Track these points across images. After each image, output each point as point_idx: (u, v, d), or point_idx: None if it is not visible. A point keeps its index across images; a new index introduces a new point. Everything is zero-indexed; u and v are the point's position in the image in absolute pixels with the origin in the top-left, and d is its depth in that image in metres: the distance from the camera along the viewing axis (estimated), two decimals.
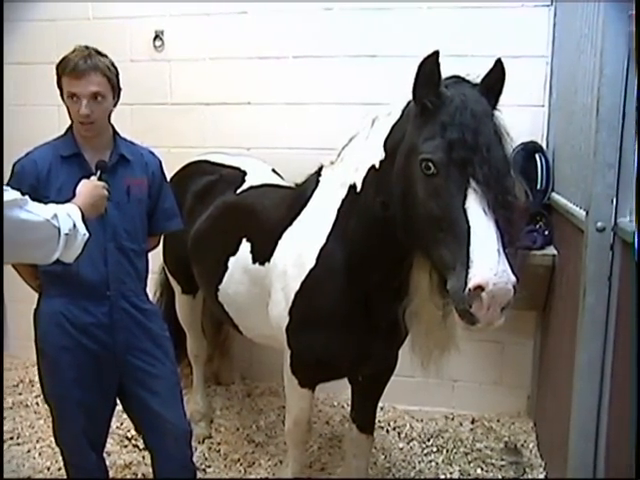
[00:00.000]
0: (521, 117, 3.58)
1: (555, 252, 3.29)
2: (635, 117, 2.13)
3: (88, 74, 2.28)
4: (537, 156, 3.48)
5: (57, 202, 2.04)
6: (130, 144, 2.55)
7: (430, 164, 1.90)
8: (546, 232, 3.37)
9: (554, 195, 3.39)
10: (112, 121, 2.49)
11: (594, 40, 2.54)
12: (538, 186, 3.45)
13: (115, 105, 2.45)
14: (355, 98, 3.69)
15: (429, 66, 1.96)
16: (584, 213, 2.46)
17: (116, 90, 2.42)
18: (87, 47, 2.35)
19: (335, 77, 3.83)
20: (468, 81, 2.07)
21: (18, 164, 2.40)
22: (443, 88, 1.99)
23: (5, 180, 1.73)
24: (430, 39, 3.49)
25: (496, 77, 2.06)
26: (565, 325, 2.85)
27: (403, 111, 2.17)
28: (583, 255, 2.37)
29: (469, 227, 1.80)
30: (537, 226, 3.40)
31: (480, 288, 1.73)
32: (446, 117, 1.91)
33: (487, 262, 1.74)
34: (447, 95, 1.97)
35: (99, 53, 2.36)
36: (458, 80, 2.07)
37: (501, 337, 3.82)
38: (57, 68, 2.34)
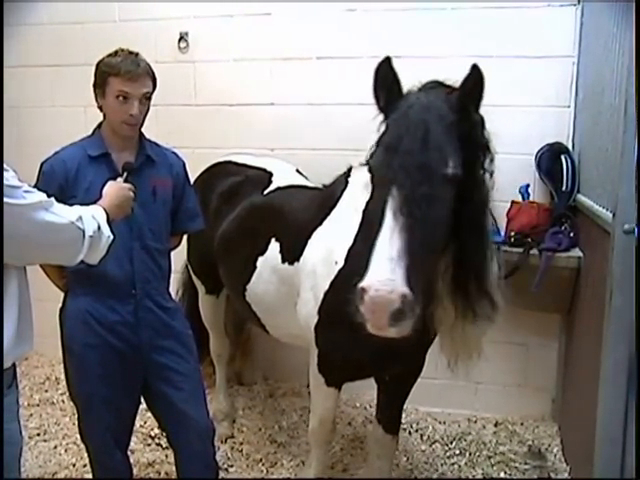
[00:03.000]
0: (547, 118, 3.56)
1: (580, 254, 3.25)
2: None
3: (143, 77, 2.37)
4: (563, 157, 3.45)
5: (85, 201, 2.08)
6: (155, 145, 2.59)
7: (371, 168, 1.98)
8: (571, 234, 3.33)
9: (580, 196, 3.35)
10: None
11: (622, 39, 2.51)
12: (563, 187, 3.42)
13: None
14: None
15: (382, 72, 2.01)
16: (611, 215, 2.43)
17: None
18: (130, 51, 2.41)
19: (359, 78, 3.80)
20: (448, 86, 2.07)
21: (46, 164, 2.44)
22: (407, 94, 2.03)
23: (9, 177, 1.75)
24: (455, 40, 3.49)
25: (473, 82, 2.00)
26: (591, 328, 2.82)
27: None
28: (610, 257, 2.34)
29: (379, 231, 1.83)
30: (562, 228, 3.36)
31: (364, 291, 1.76)
32: (389, 122, 1.97)
33: (376, 267, 1.77)
34: (402, 101, 1.99)
35: (139, 55, 2.43)
36: (433, 85, 2.08)
37: (525, 339, 3.79)
38: (103, 69, 2.37)
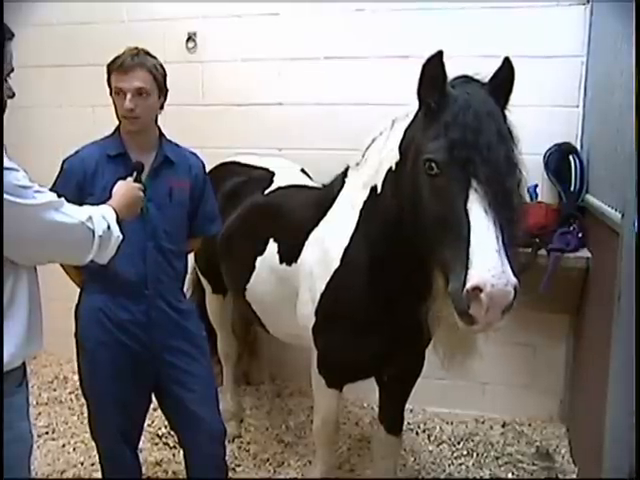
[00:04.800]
0: (555, 118, 3.54)
1: (589, 255, 3.23)
2: None
3: (134, 70, 2.34)
4: (571, 157, 3.44)
5: (102, 200, 2.09)
6: (175, 146, 2.58)
7: (433, 164, 1.91)
8: (580, 234, 3.31)
9: (588, 197, 3.34)
10: None
11: (631, 39, 2.49)
12: (572, 187, 3.40)
13: (162, 107, 2.50)
14: (387, 99, 3.67)
15: (433, 66, 1.97)
16: (619, 215, 2.42)
17: (162, 90, 2.47)
18: (137, 48, 2.41)
19: (367, 78, 3.83)
20: (477, 80, 2.07)
21: (67, 161, 2.47)
22: (449, 88, 2.00)
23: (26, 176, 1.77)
24: (463, 40, 3.48)
25: (504, 76, 2.05)
26: (599, 329, 2.81)
27: (416, 113, 2.17)
28: (618, 258, 2.33)
29: (470, 227, 1.80)
30: (571, 228, 3.34)
31: (478, 289, 1.72)
32: (449, 117, 1.92)
33: (486, 263, 1.73)
34: (452, 95, 1.97)
35: (147, 53, 2.43)
36: (466, 80, 2.07)
37: (533, 340, 3.78)
38: (107, 66, 2.40)
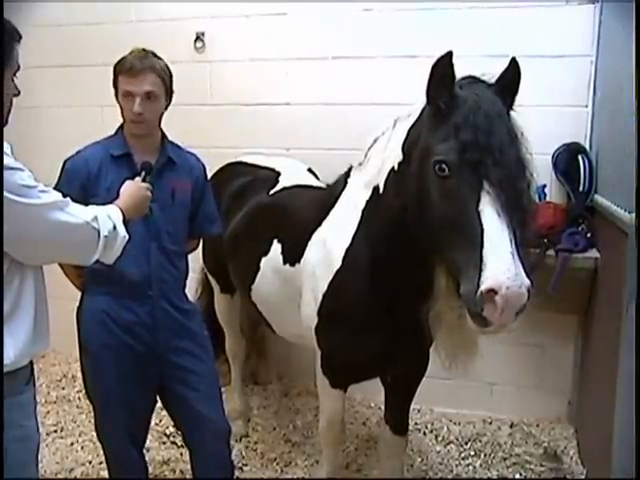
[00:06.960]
0: (564, 117, 3.52)
1: (598, 255, 3.22)
2: None
3: (143, 73, 2.33)
4: (580, 157, 3.42)
5: (107, 201, 2.09)
6: (177, 148, 2.58)
7: (443, 166, 1.90)
8: (588, 235, 3.30)
9: (597, 197, 3.32)
10: None
11: (632, 37, 2.48)
12: (581, 188, 3.39)
13: (166, 108, 2.49)
14: (395, 99, 3.65)
15: (442, 67, 1.96)
16: (628, 215, 2.41)
17: (168, 92, 2.46)
18: (144, 49, 2.40)
19: (375, 78, 3.82)
20: (484, 81, 2.06)
21: (69, 162, 2.45)
22: (457, 89, 1.98)
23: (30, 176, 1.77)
24: (472, 39, 3.46)
25: (511, 76, 2.04)
26: (607, 330, 2.79)
27: (420, 113, 2.16)
28: (627, 258, 2.32)
29: (482, 230, 1.79)
30: (579, 228, 3.33)
31: (493, 292, 1.71)
32: (459, 118, 1.90)
33: (500, 265, 1.73)
34: (461, 96, 1.96)
35: (155, 55, 2.42)
36: (473, 80, 2.06)
37: (542, 340, 3.76)
38: (114, 68, 2.39)
